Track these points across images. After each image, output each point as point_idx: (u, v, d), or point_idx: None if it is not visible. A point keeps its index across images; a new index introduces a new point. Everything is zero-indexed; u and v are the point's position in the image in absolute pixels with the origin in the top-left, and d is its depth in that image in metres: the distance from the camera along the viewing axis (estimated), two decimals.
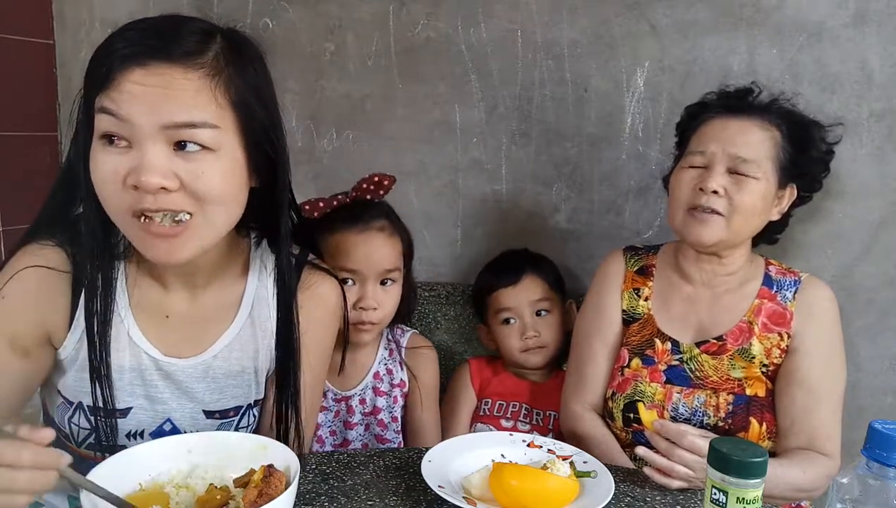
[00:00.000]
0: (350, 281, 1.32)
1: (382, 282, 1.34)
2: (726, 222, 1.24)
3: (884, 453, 0.70)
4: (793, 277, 1.33)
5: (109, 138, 0.83)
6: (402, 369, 1.45)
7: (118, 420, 0.99)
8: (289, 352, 1.02)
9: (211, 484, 0.85)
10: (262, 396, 1.08)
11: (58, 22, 1.91)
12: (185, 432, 1.01)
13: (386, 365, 1.44)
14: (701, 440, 1.06)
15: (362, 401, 1.41)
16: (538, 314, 1.58)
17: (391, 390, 1.43)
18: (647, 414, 1.15)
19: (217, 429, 1.03)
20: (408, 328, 1.52)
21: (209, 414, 1.03)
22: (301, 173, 1.86)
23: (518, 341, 1.57)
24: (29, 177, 1.81)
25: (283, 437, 1.02)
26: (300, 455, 0.89)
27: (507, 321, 1.58)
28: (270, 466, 0.83)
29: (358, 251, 1.31)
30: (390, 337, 1.47)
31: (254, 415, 1.08)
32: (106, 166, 0.83)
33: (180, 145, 0.83)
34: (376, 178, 1.33)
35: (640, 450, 1.08)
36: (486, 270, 1.66)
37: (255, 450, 0.89)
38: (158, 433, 1.01)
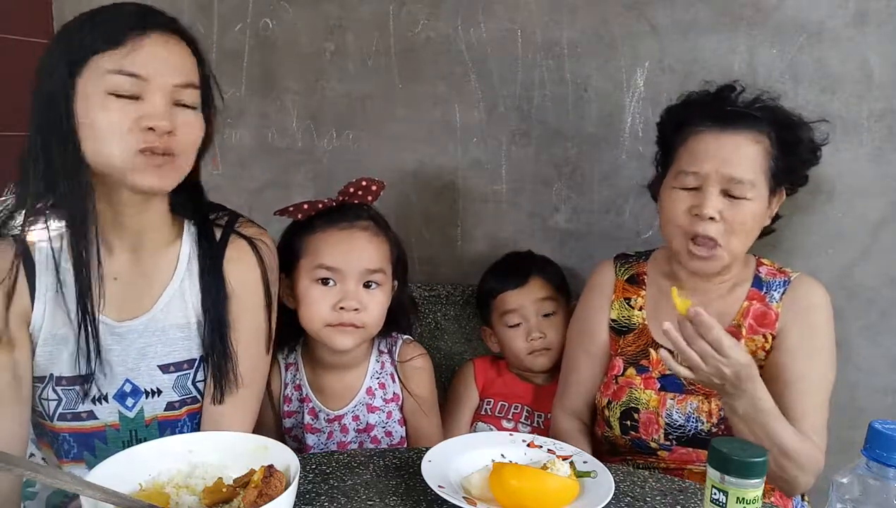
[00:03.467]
0: (331, 282, 1.26)
1: (366, 285, 1.27)
2: (725, 250, 1.23)
3: (884, 453, 0.70)
4: (783, 277, 1.32)
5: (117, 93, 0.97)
6: (394, 381, 1.38)
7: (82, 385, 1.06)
8: (214, 305, 1.11)
9: (220, 479, 0.86)
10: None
11: (58, 22, 1.91)
12: (145, 390, 1.09)
13: (378, 379, 1.37)
14: (727, 338, 1.06)
15: (355, 418, 1.35)
16: (545, 316, 1.58)
17: (384, 405, 1.37)
18: (681, 302, 1.10)
19: (175, 384, 1.10)
20: (401, 335, 1.43)
21: (164, 369, 1.10)
22: (301, 173, 1.86)
23: (524, 343, 1.56)
24: None
25: (217, 381, 1.10)
26: (297, 452, 0.89)
27: (513, 323, 1.58)
28: (270, 466, 0.84)
29: (339, 248, 1.26)
30: (382, 348, 1.40)
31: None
32: (117, 111, 0.97)
33: (177, 102, 1.01)
34: (364, 183, 1.30)
35: (663, 352, 1.12)
36: (490, 272, 1.65)
37: (255, 450, 0.89)
38: (120, 395, 1.08)
